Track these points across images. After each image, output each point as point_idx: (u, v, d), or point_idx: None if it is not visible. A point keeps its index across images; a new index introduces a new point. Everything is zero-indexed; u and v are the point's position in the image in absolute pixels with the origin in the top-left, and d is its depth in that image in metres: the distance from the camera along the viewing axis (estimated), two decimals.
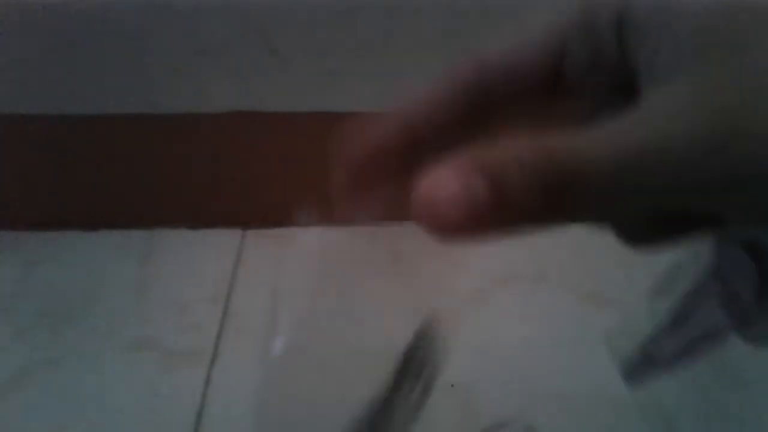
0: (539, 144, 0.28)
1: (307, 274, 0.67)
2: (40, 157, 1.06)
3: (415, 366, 0.61)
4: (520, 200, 0.27)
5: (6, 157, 1.06)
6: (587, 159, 0.27)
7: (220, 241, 1.10)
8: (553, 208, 0.28)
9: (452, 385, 0.87)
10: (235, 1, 0.93)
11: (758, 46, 0.27)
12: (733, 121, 0.27)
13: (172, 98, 1.01)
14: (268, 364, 0.66)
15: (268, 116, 1.03)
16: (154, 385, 0.89)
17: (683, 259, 0.46)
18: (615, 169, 0.27)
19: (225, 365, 0.91)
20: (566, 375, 0.90)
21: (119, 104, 1.01)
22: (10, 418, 0.85)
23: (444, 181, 0.28)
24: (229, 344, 0.94)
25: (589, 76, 0.35)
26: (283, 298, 0.69)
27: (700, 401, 0.87)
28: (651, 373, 0.50)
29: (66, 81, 0.99)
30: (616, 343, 0.51)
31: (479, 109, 0.37)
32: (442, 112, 0.39)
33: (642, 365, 0.50)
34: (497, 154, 0.28)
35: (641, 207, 0.33)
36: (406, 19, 0.97)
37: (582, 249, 1.06)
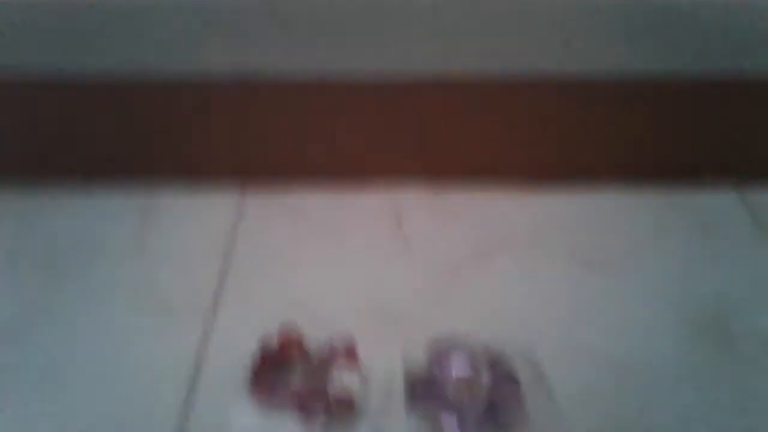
0: None
1: None
2: (42, 115, 1.07)
3: None
4: None
5: (11, 114, 1.06)
6: None
7: (220, 200, 1.10)
8: None
9: None
10: None
11: None
12: None
13: (173, 61, 1.02)
14: None
15: (267, 80, 1.03)
16: (152, 340, 0.90)
17: None
18: None
19: (224, 322, 0.93)
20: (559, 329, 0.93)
21: (122, 66, 1.01)
22: (8, 366, 0.86)
23: None
24: (227, 301, 0.95)
25: None
26: None
27: None
28: None
29: (67, 43, 1.00)
30: None
31: None
32: None
33: None
34: None
35: None
36: None
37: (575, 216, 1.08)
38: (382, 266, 1.01)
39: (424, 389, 0.83)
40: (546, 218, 1.09)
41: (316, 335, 0.87)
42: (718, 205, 1.11)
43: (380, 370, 0.85)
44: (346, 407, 0.79)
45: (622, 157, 1.13)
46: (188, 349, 0.88)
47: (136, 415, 0.81)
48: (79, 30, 0.98)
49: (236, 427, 0.79)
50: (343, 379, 0.81)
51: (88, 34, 0.99)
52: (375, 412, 0.81)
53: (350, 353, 0.86)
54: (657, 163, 1.14)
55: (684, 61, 1.04)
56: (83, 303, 0.94)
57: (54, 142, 1.10)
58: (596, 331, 0.92)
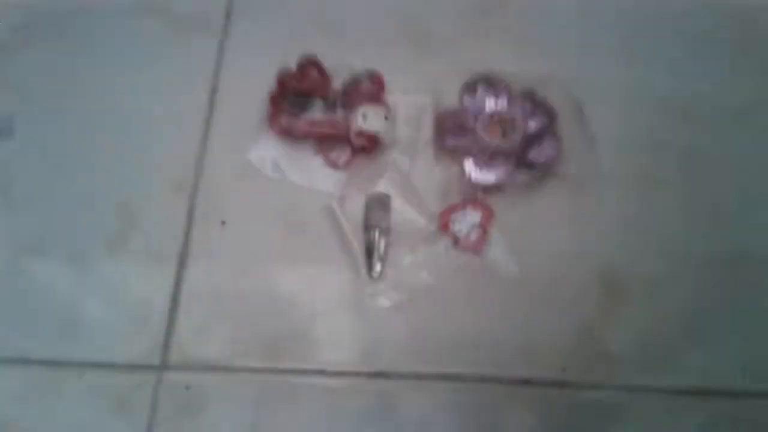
0: None
1: None
2: None
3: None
4: None
5: None
6: None
7: None
8: None
9: None
10: None
11: None
12: None
13: None
14: None
15: None
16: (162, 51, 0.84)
17: None
18: None
19: (236, 42, 0.84)
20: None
21: None
22: (11, 72, 0.83)
23: None
24: (239, 15, 0.86)
25: None
26: None
27: None
28: None
29: None
30: None
31: None
32: None
33: None
34: None
35: None
36: None
37: None
38: None
39: (453, 124, 0.78)
40: None
41: (339, 58, 0.81)
42: None
43: (408, 103, 0.80)
44: (369, 142, 0.76)
45: None
46: (202, 77, 0.83)
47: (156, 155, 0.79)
48: None
49: (254, 158, 0.77)
50: (367, 114, 0.76)
51: None
52: (400, 149, 0.78)
53: (376, 84, 0.79)
54: None
55: None
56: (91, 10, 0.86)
57: None
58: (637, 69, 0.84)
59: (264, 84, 0.79)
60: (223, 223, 0.75)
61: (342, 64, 0.80)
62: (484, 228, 0.73)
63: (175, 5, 0.86)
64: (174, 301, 0.72)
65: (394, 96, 0.80)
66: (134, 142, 0.79)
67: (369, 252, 0.73)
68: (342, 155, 0.77)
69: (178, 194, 0.76)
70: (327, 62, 0.80)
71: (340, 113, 0.77)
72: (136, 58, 0.84)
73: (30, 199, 0.77)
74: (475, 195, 0.75)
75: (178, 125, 0.79)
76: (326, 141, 0.77)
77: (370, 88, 0.79)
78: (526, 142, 0.76)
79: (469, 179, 0.75)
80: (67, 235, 0.75)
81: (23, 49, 0.84)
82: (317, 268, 0.73)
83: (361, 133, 0.75)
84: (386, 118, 0.76)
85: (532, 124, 0.77)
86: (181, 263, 0.73)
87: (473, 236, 0.73)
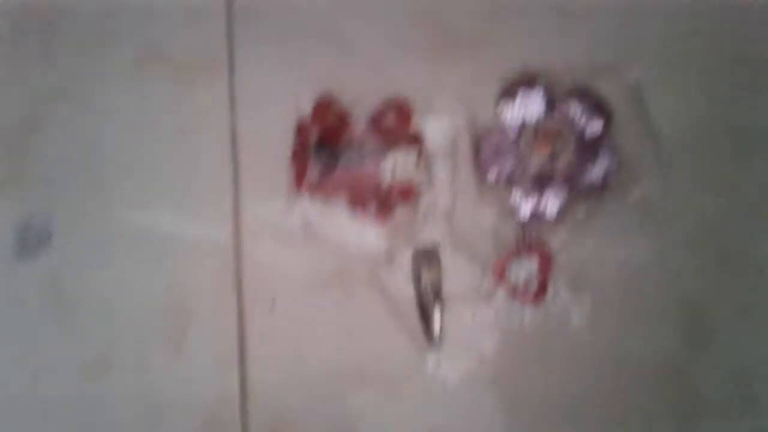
0: None
1: None
2: None
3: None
4: None
5: None
6: None
7: None
8: None
9: None
10: None
11: None
12: None
13: None
14: None
15: None
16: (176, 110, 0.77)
17: None
18: None
19: (246, 72, 0.76)
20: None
21: None
22: (29, 167, 0.78)
23: None
24: (243, 41, 0.77)
25: None
26: None
27: None
28: None
29: None
30: None
31: None
32: None
33: None
34: None
35: None
36: None
37: None
38: None
39: (492, 149, 0.68)
40: None
41: (355, 83, 0.71)
42: None
43: (440, 129, 0.70)
44: (404, 193, 0.69)
45: None
46: (219, 126, 0.75)
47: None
48: None
49: (290, 223, 0.72)
50: (396, 163, 0.68)
51: None
52: (440, 188, 0.70)
53: (401, 115, 0.70)
54: None
55: None
56: (87, 74, 0.79)
57: None
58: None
59: (284, 135, 0.72)
60: (273, 301, 0.73)
61: (362, 93, 0.71)
62: (543, 276, 0.66)
63: (176, 52, 0.78)
64: (243, 396, 0.73)
65: (423, 121, 0.70)
66: (170, 222, 0.75)
67: (425, 317, 0.69)
68: (378, 211, 0.70)
69: (224, 279, 0.73)
70: (345, 94, 0.71)
71: (368, 157, 0.70)
72: (148, 116, 0.78)
73: (85, 313, 0.77)
74: (530, 235, 0.67)
75: (207, 202, 0.74)
76: (359, 196, 0.71)
77: (395, 121, 0.70)
78: (580, 159, 0.66)
79: (519, 216, 0.67)
80: (127, 345, 0.75)
81: (36, 138, 0.80)
82: (373, 341, 0.70)
83: (393, 188, 0.68)
84: (418, 161, 0.68)
85: (586, 132, 0.66)
86: (242, 355, 0.73)
87: (532, 286, 0.67)
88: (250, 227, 0.74)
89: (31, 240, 0.78)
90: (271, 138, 0.73)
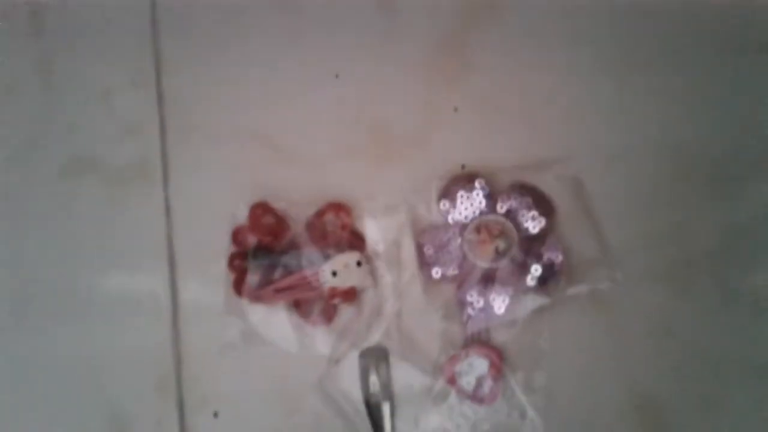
0: None
1: None
2: None
3: None
4: None
5: None
6: None
7: None
8: None
9: None
10: None
11: None
12: None
13: None
14: None
15: None
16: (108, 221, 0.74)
17: None
18: None
19: (180, 180, 0.74)
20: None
21: None
22: None
23: None
24: (176, 148, 0.74)
25: None
26: None
27: None
28: None
29: None
30: None
31: None
32: None
33: None
34: None
35: None
36: None
37: None
38: (361, 49, 0.74)
39: (435, 248, 0.67)
40: None
41: (294, 186, 0.70)
42: None
43: (382, 229, 0.69)
44: (346, 297, 0.67)
45: None
46: (154, 237, 0.72)
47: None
48: None
49: (231, 333, 0.69)
50: (336, 269, 0.66)
51: None
52: (386, 288, 0.68)
53: (341, 216, 0.69)
54: None
55: None
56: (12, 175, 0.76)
57: None
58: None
59: (222, 240, 0.70)
60: (215, 415, 0.69)
61: (300, 195, 0.70)
62: (494, 376, 0.65)
63: (108, 160, 0.75)
64: None
65: (363, 221, 0.69)
66: (106, 341, 0.71)
67: (375, 424, 0.66)
68: (321, 314, 0.68)
69: (164, 392, 0.70)
70: (282, 195, 0.70)
71: (308, 260, 0.68)
72: (80, 236, 0.74)
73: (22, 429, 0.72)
74: (478, 334, 0.66)
75: (144, 311, 0.71)
76: (301, 301, 0.68)
77: (335, 225, 0.69)
78: (524, 252, 0.66)
79: (466, 316, 0.66)
80: None
81: None
82: None
83: (334, 293, 0.66)
84: (359, 263, 0.67)
85: (528, 227, 0.66)
86: None
87: (484, 387, 0.65)
88: (190, 338, 0.71)
89: None
90: (208, 244, 0.70)
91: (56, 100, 0.76)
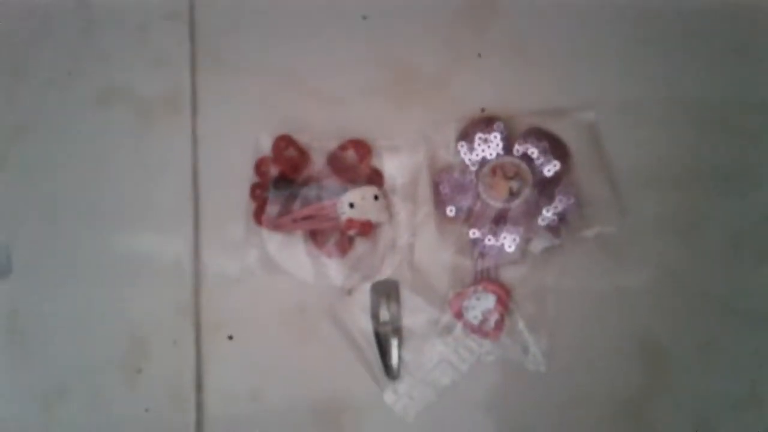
0: None
1: None
2: None
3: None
4: None
5: None
6: None
7: None
8: None
9: None
10: None
11: None
12: None
13: None
14: None
15: None
16: (137, 148, 0.77)
17: None
18: None
19: (207, 111, 0.76)
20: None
21: None
22: None
23: None
24: (206, 80, 0.77)
25: None
26: None
27: None
28: None
29: None
30: None
31: None
32: None
33: None
34: None
35: None
36: None
37: None
38: None
39: (452, 187, 0.69)
40: None
41: (316, 122, 0.72)
42: None
43: (400, 166, 0.71)
44: (362, 229, 0.69)
45: None
46: (180, 165, 0.75)
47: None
48: None
49: (250, 258, 0.72)
50: (354, 201, 0.68)
51: None
52: (400, 223, 0.70)
53: (360, 152, 0.71)
54: None
55: None
56: (48, 109, 0.79)
57: None
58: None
59: (245, 169, 0.72)
60: (230, 338, 0.72)
61: (323, 130, 0.72)
62: (500, 311, 0.67)
63: (140, 90, 0.77)
64: (199, 430, 0.72)
65: (383, 159, 0.71)
66: (130, 261, 0.74)
67: (383, 351, 0.69)
68: (337, 246, 0.70)
69: (183, 315, 0.72)
70: (306, 131, 0.72)
71: (327, 193, 0.71)
72: (111, 158, 0.77)
73: (43, 342, 0.75)
74: (487, 272, 0.68)
75: (167, 233, 0.74)
76: (318, 231, 0.71)
77: (354, 160, 0.71)
78: (537, 197, 0.67)
79: (477, 253, 0.68)
80: (85, 374, 0.74)
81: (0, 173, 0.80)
82: (332, 375, 0.70)
83: (351, 224, 0.69)
84: (376, 197, 0.69)
85: (543, 170, 0.68)
86: (198, 388, 0.72)
87: (490, 322, 0.67)
88: (209, 261, 0.74)
89: None
90: (232, 174, 0.73)
91: (93, 31, 0.79)
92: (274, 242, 0.72)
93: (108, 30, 0.79)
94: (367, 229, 0.69)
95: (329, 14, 0.76)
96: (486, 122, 0.70)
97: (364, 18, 0.75)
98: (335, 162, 0.71)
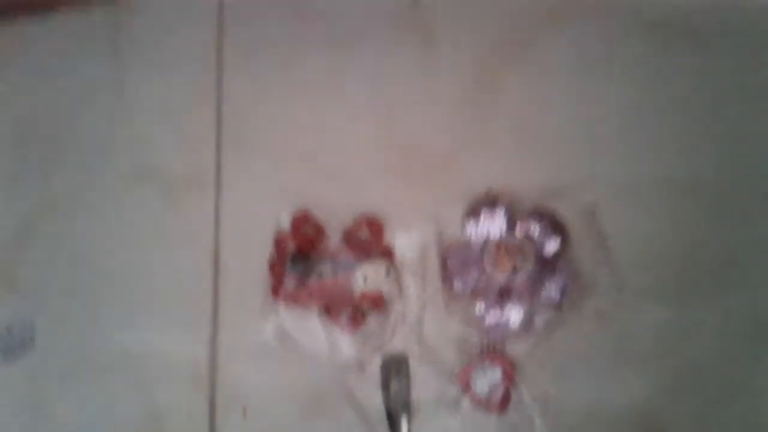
0: None
1: None
2: None
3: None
4: None
5: None
6: None
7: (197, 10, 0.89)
8: None
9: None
10: None
11: None
12: None
13: None
14: None
15: None
16: (163, 223, 0.82)
17: None
18: None
19: (231, 190, 0.81)
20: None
21: None
22: (21, 274, 0.83)
23: None
24: (230, 161, 0.83)
25: None
26: None
27: None
28: None
29: None
30: None
31: None
32: None
33: None
34: None
35: None
36: None
37: None
38: (400, 80, 0.82)
39: (459, 263, 0.73)
40: None
41: (333, 200, 0.77)
42: None
43: (411, 243, 0.75)
44: (374, 303, 0.72)
45: None
46: (203, 241, 0.80)
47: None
48: None
49: (265, 332, 0.75)
50: (367, 275, 0.72)
51: None
52: (410, 298, 0.74)
53: (374, 230, 0.75)
54: None
55: None
56: (78, 187, 0.85)
57: None
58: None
59: (265, 246, 0.76)
60: (244, 410, 0.75)
61: (338, 208, 0.76)
62: (506, 385, 0.69)
63: (168, 169, 0.84)
64: None
65: (395, 236, 0.75)
66: (150, 335, 0.78)
67: (393, 426, 0.71)
68: (350, 319, 0.73)
69: (198, 387, 0.76)
70: (322, 209, 0.77)
71: (341, 268, 0.74)
72: (137, 232, 0.82)
73: (62, 412, 0.78)
74: (493, 345, 0.71)
75: (186, 312, 0.78)
76: (333, 305, 0.74)
77: (368, 237, 0.75)
78: (539, 272, 0.71)
79: (484, 327, 0.71)
80: None
81: (29, 248, 0.84)
82: None
83: (364, 297, 0.72)
84: (388, 273, 0.72)
85: (545, 249, 0.71)
86: None
87: (497, 395, 0.69)
88: (227, 336, 0.77)
89: (13, 343, 0.80)
90: (252, 249, 0.77)
91: (126, 114, 0.86)
92: (289, 317, 0.75)
93: (141, 113, 0.86)
94: (379, 302, 0.72)
95: (346, 101, 0.82)
96: (491, 201, 0.74)
97: (377, 104, 0.81)
98: (350, 238, 0.75)
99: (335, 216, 0.76)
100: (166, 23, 0.88)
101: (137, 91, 0.87)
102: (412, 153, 0.79)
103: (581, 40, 0.79)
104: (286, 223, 0.77)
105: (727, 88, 0.76)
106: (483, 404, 0.69)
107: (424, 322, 0.73)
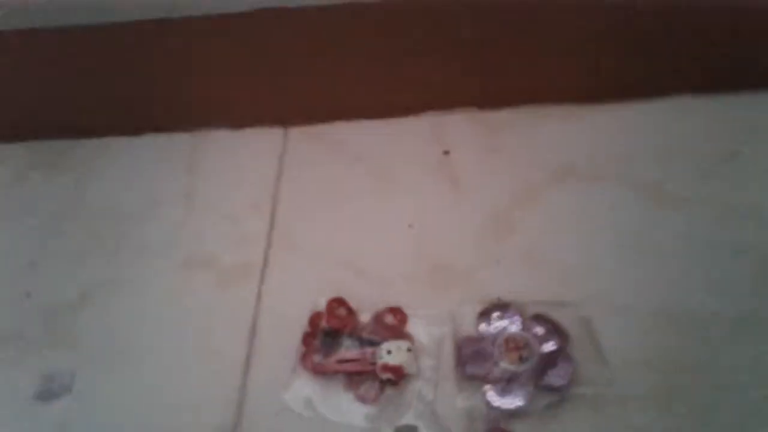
0: None
1: None
2: (78, 67, 1.05)
3: None
4: None
5: (50, 68, 1.05)
6: None
7: (263, 140, 1.09)
8: None
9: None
10: None
11: None
12: None
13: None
14: None
15: (295, 11, 0.97)
16: (208, 301, 0.93)
17: None
18: None
19: (273, 283, 0.94)
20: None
21: (146, 11, 0.97)
22: (78, 337, 0.92)
23: None
24: (276, 260, 0.96)
25: None
26: None
27: None
28: None
29: None
30: None
31: None
32: None
33: None
34: None
35: None
36: None
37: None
38: (430, 210, 0.99)
39: (472, 352, 0.83)
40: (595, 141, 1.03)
41: (365, 295, 0.89)
42: None
43: (429, 334, 0.86)
44: (394, 375, 0.81)
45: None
46: (244, 308, 0.91)
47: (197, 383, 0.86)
48: None
49: (289, 396, 0.83)
50: (390, 349, 0.82)
51: None
52: (425, 378, 0.83)
53: (398, 318, 0.87)
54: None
55: None
56: (139, 269, 0.97)
57: (96, 91, 1.09)
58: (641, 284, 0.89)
59: (299, 325, 0.87)
60: None
61: (368, 300, 0.89)
62: None
63: (220, 258, 0.97)
64: None
65: (415, 327, 0.87)
66: (176, 390, 0.85)
67: None
68: (370, 390, 0.82)
69: None
70: (354, 300, 0.89)
71: (367, 348, 0.84)
72: (183, 307, 0.93)
73: None
74: (498, 422, 0.79)
75: (218, 367, 0.86)
76: (355, 376, 0.83)
77: (393, 322, 0.87)
78: (542, 365, 0.81)
79: (491, 406, 0.80)
80: None
81: (85, 309, 0.94)
82: None
83: (386, 368, 0.81)
84: (409, 350, 0.83)
85: (547, 347, 0.82)
86: None
87: None
88: (254, 397, 0.84)
89: (53, 389, 0.87)
90: (287, 328, 0.88)
91: (192, 213, 1.01)
92: (314, 386, 0.83)
93: (204, 216, 1.01)
94: (400, 373, 0.81)
95: (383, 221, 0.98)
96: (501, 308, 0.86)
97: (410, 226, 0.97)
98: (377, 320, 0.86)
99: (365, 303, 0.89)
100: (235, 147, 1.08)
101: (204, 199, 1.03)
102: (438, 267, 0.93)
103: (580, 197, 0.97)
104: (322, 305, 0.88)
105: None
106: None
107: (437, 400, 0.81)
